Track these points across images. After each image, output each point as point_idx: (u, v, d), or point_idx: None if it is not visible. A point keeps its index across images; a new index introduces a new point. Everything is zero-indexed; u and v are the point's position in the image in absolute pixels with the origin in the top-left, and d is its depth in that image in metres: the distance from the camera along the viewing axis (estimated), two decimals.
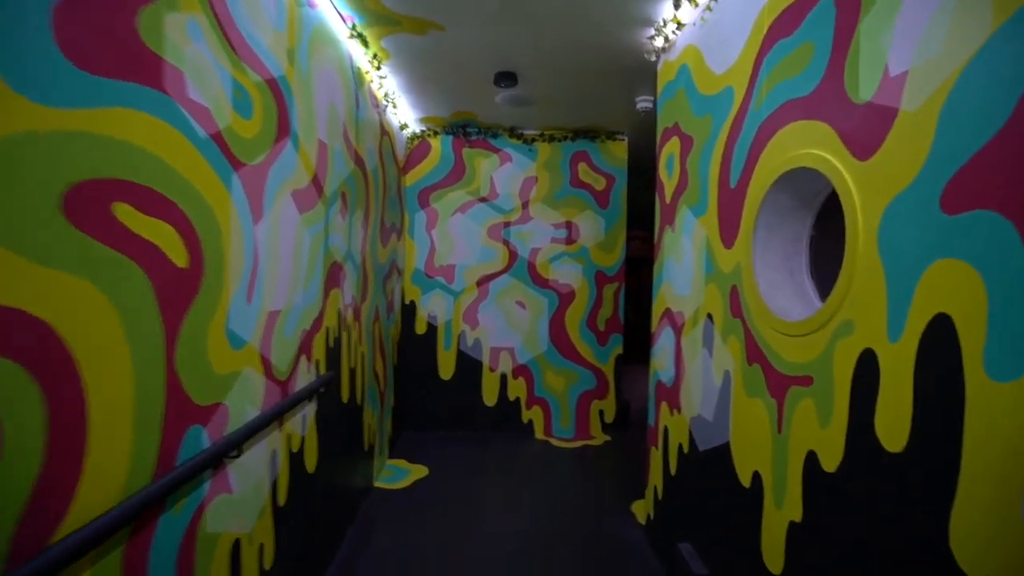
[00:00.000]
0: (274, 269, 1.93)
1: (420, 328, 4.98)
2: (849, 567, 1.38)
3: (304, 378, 2.23)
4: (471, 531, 3.10)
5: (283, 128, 1.99)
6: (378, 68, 3.37)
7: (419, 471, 3.99)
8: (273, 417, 1.80)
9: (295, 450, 2.15)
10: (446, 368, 5.00)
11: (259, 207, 1.80)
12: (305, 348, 2.25)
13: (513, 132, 4.90)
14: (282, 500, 2.01)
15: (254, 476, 1.77)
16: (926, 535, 1.14)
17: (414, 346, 4.97)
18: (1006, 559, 0.97)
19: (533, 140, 4.91)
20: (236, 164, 1.63)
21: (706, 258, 2.32)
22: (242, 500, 1.67)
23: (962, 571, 1.05)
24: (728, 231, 2.10)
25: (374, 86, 3.52)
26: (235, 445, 1.48)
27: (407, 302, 4.96)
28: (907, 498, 1.20)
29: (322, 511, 2.52)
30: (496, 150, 4.94)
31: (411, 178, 4.92)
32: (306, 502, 2.29)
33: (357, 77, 3.09)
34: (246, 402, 1.69)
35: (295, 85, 2.10)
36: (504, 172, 4.95)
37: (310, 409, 2.35)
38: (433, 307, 4.98)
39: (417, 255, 4.97)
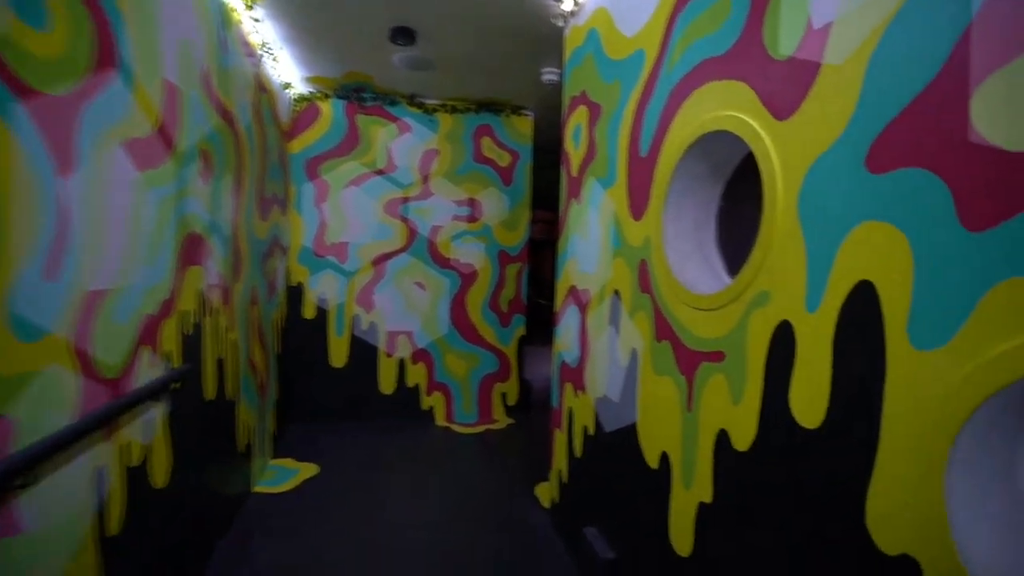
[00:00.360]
0: (97, 238, 1.51)
1: (308, 312, 4.52)
2: (761, 547, 1.34)
3: (147, 373, 1.81)
4: (366, 528, 2.83)
5: (106, 55, 1.55)
6: (251, 8, 2.88)
7: (308, 469, 3.61)
8: (95, 426, 1.41)
9: (135, 463, 1.75)
10: (338, 355, 4.60)
11: (68, 155, 1.37)
12: (148, 337, 1.83)
13: (413, 100, 4.55)
14: (114, 528, 1.61)
15: (65, 505, 1.37)
16: (842, 513, 1.09)
17: (301, 332, 4.50)
18: (926, 537, 0.93)
19: (434, 110, 4.60)
20: (22, 90, 1.20)
21: (614, 232, 2.22)
22: (42, 540, 1.28)
23: (879, 550, 1.01)
24: (637, 202, 2.00)
25: (246, 29, 3.01)
26: (22, 470, 1.10)
27: (293, 283, 4.46)
28: (822, 476, 1.15)
29: (179, 531, 2.12)
30: (394, 119, 4.56)
31: (297, 145, 4.40)
32: (153, 524, 1.89)
33: (222, 15, 2.60)
34: (47, 411, 1.28)
35: (125, 5, 1.66)
36: (403, 143, 4.60)
37: (158, 410, 1.93)
38: (323, 289, 4.54)
39: (305, 231, 4.48)
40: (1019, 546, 0.89)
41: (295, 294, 4.47)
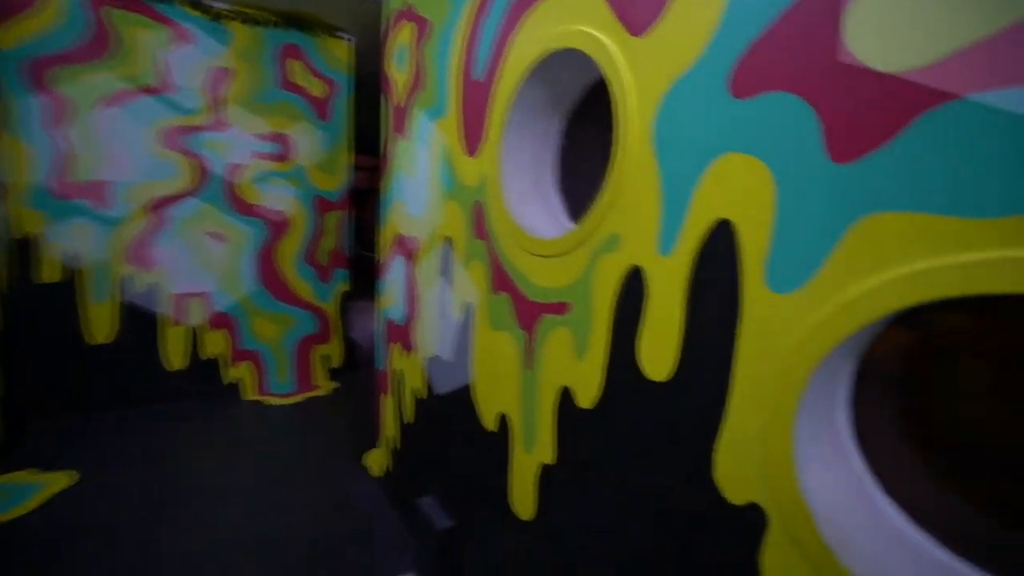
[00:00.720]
0: None
1: (48, 274, 3.42)
2: (607, 506, 1.26)
3: None
4: (151, 545, 2.26)
5: None
6: None
7: (60, 480, 2.77)
8: None
9: None
10: (100, 327, 3.60)
11: None
12: None
13: (193, 0, 3.59)
14: None
15: None
16: (689, 467, 1.03)
17: (39, 301, 3.40)
18: (774, 486, 0.89)
19: (223, 17, 3.70)
20: None
21: (445, 170, 1.95)
22: None
23: (726, 500, 0.97)
24: (472, 135, 1.75)
25: None
26: None
27: (19, 235, 3.32)
28: (671, 430, 1.08)
29: None
30: (166, 21, 3.55)
31: (7, 37, 3.16)
32: None
33: None
34: None
35: None
36: (182, 56, 3.63)
37: None
38: (73, 242, 3.47)
39: (35, 164, 3.32)
40: (853, 488, 0.90)
41: (23, 249, 3.34)
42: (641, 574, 1.17)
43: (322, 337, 4.45)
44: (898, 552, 0.88)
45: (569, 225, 1.57)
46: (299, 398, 4.12)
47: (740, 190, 0.90)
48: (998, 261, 0.59)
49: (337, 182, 4.31)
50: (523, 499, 1.56)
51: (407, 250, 2.35)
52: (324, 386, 4.38)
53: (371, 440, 3.35)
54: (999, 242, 0.60)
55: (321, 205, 4.25)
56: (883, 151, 0.72)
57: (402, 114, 2.31)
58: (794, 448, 0.86)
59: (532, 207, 1.56)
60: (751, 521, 0.92)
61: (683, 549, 1.07)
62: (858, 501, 0.91)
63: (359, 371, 4.75)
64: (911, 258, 0.69)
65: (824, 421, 0.91)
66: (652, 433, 1.11)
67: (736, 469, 0.95)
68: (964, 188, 0.64)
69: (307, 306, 4.33)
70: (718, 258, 0.95)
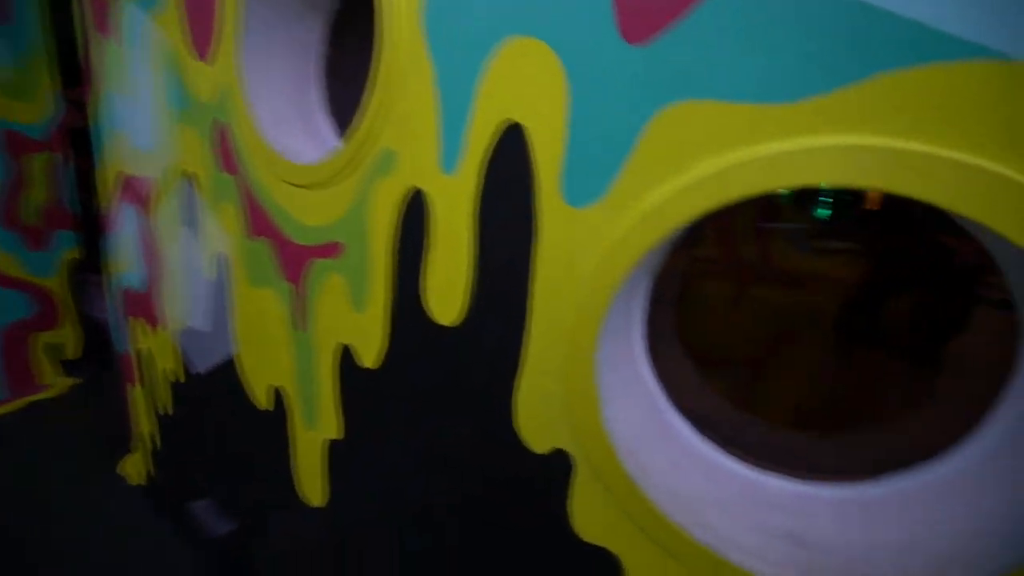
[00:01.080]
0: None
1: None
2: (408, 473, 1.08)
3: None
4: None
5: None
6: None
7: None
8: None
9: None
10: None
11: None
12: None
13: None
14: None
15: None
16: (488, 420, 0.90)
17: None
18: (576, 426, 0.80)
19: None
20: None
21: (172, 83, 1.46)
22: None
23: (530, 449, 0.86)
24: (201, 33, 1.31)
25: None
26: None
27: None
28: (465, 380, 0.93)
29: None
30: None
31: None
32: None
33: None
34: None
35: None
36: None
37: None
38: None
39: None
40: (649, 411, 0.86)
41: None
42: (447, 542, 1.03)
43: (45, 322, 3.38)
44: (689, 467, 0.87)
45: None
46: (16, 405, 3.13)
47: (528, 84, 0.74)
48: (799, 152, 0.53)
49: (38, 113, 3.20)
50: (311, 483, 1.31)
51: (138, 196, 1.78)
52: (56, 384, 3.39)
53: (126, 443, 2.68)
54: (799, 129, 0.54)
55: (15, 144, 3.12)
56: (678, 29, 0.61)
57: (104, 5, 1.68)
58: (596, 381, 0.78)
59: (290, 127, 1.23)
60: (557, 468, 0.83)
61: (490, 509, 0.95)
62: (654, 425, 0.88)
63: (112, 360, 3.79)
64: (711, 154, 0.60)
65: (623, 347, 0.85)
66: (446, 385, 0.95)
67: (538, 414, 0.84)
68: (761, 71, 0.56)
69: (12, 283, 3.22)
70: (509, 171, 0.79)
